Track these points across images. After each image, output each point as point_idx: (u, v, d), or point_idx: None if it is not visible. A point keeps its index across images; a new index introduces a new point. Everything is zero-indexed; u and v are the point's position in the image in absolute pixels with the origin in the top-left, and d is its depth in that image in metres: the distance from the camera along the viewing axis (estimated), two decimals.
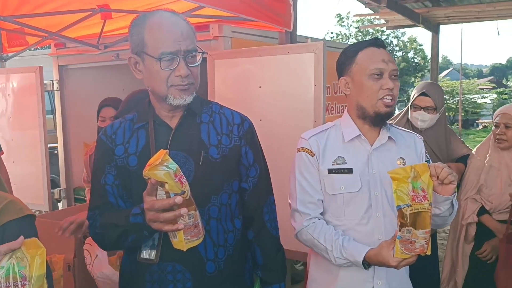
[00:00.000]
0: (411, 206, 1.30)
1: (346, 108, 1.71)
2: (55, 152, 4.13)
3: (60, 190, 3.91)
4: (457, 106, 18.11)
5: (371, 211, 1.58)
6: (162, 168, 1.15)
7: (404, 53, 28.46)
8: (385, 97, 1.55)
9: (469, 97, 22.02)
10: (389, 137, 1.63)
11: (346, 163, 1.59)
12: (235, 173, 1.49)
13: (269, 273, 1.54)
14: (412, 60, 28.27)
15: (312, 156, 1.61)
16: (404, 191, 1.30)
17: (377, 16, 5.89)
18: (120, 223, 1.33)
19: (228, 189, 1.46)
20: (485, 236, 2.63)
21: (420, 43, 28.46)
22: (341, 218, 1.60)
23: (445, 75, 33.79)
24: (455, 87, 21.11)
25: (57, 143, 3.97)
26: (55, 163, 4.14)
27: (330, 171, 1.59)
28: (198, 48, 1.40)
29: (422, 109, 2.69)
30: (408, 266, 1.67)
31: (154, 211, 1.20)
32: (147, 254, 1.38)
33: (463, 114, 18.45)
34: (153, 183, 1.17)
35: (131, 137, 1.44)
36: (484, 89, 27.56)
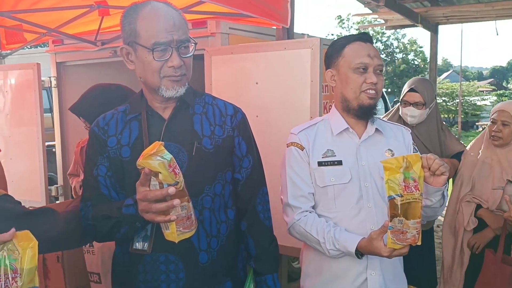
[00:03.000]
0: (402, 196, 1.30)
1: (334, 102, 1.74)
2: (53, 150, 4.14)
3: (57, 187, 3.91)
4: (457, 108, 18.12)
5: (362, 202, 1.59)
6: (157, 158, 1.15)
7: (404, 55, 28.46)
8: (368, 90, 1.58)
9: (469, 99, 22.03)
10: (377, 129, 1.66)
11: (335, 155, 1.61)
12: (228, 163, 1.49)
13: (262, 264, 1.54)
14: (412, 62, 28.29)
15: (302, 150, 1.63)
16: (395, 181, 1.31)
17: (376, 16, 5.90)
18: (113, 214, 1.33)
19: (221, 180, 1.46)
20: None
21: (420, 45, 28.49)
22: (332, 210, 1.61)
23: (445, 77, 33.81)
24: (455, 89, 21.12)
25: (54, 141, 3.97)
26: (52, 161, 4.14)
27: (320, 164, 1.60)
28: (190, 39, 1.40)
29: (411, 105, 2.72)
30: (402, 258, 1.67)
31: (146, 202, 1.20)
32: (140, 245, 1.38)
33: (462, 116, 18.45)
34: (147, 173, 1.17)
35: (123, 129, 1.44)
36: (484, 91, 27.61)
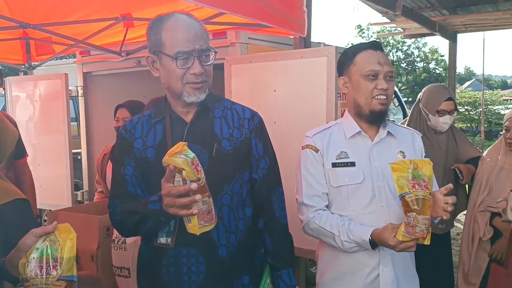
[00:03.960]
0: (411, 193, 1.37)
1: (347, 107, 1.81)
2: (79, 157, 4.29)
3: (83, 192, 4.06)
4: (480, 118, 17.85)
5: (375, 201, 1.66)
6: (181, 156, 1.25)
7: (425, 64, 28.26)
8: (378, 96, 1.65)
9: (492, 108, 21.66)
10: (389, 132, 1.73)
11: (349, 157, 1.69)
12: (246, 164, 1.57)
13: (278, 259, 1.61)
14: (433, 71, 28.06)
15: (317, 152, 1.71)
16: (403, 180, 1.38)
17: (394, 25, 5.94)
18: (139, 210, 1.42)
19: (239, 179, 1.54)
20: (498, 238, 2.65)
21: (441, 54, 28.24)
22: (346, 209, 1.68)
23: (468, 86, 33.33)
24: (477, 98, 20.81)
25: (80, 149, 4.13)
26: (78, 168, 4.29)
27: (334, 165, 1.68)
28: (211, 48, 1.49)
29: (448, 113, 2.76)
30: (414, 256, 1.73)
31: (171, 197, 1.29)
32: (164, 239, 1.47)
33: (486, 125, 18.14)
34: (172, 170, 1.26)
35: (149, 131, 1.54)
36: (508, 100, 27.08)
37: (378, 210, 1.64)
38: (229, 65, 2.82)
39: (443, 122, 2.77)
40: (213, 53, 1.50)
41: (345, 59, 1.74)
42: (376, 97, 1.66)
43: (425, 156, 1.76)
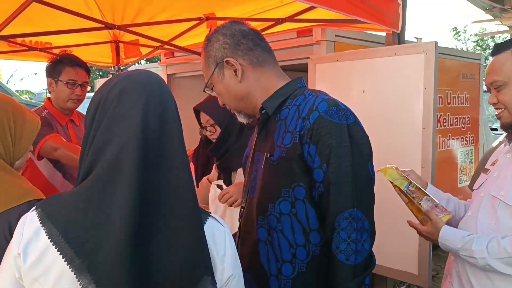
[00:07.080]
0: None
1: None
2: None
3: None
4: None
5: None
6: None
7: None
8: None
9: None
10: None
11: None
12: (296, 177, 1.24)
13: None
14: None
15: None
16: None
17: (499, 23, 5.36)
18: None
19: (288, 197, 1.24)
20: None
21: None
22: None
23: None
24: None
25: None
26: None
27: None
28: (207, 84, 1.40)
29: None
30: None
31: None
32: None
33: None
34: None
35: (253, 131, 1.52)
36: None
37: None
38: (314, 64, 2.64)
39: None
40: (210, 86, 1.41)
41: None
42: None
43: None
